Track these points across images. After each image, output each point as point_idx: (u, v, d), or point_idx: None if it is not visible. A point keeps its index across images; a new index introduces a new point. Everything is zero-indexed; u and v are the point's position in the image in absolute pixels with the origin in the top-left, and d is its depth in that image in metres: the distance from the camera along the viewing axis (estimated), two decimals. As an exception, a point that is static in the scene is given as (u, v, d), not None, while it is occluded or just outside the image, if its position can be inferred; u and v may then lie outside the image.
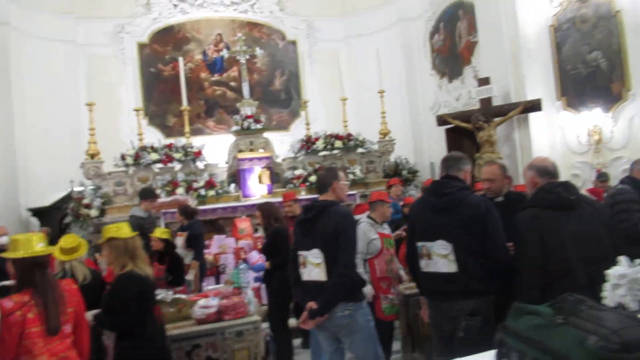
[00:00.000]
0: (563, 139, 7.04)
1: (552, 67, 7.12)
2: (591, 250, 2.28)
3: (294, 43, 11.38)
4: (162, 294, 4.06)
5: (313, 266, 2.64)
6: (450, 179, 2.69)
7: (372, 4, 11.03)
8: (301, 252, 2.76)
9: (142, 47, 10.29)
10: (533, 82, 7.16)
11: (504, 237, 2.55)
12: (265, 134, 8.62)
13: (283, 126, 10.95)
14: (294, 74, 11.24)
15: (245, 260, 5.49)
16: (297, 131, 10.07)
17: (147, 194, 5.45)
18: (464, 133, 7.79)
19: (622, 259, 0.88)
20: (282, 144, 9.44)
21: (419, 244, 2.66)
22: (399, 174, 8.64)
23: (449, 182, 2.66)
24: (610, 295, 0.86)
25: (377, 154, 8.44)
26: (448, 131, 8.92)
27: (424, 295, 2.87)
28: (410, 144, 10.21)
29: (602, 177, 6.12)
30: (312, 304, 2.62)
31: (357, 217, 3.91)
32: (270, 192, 7.56)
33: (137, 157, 7.08)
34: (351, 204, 6.47)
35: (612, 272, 0.88)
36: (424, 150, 10.17)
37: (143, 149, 7.20)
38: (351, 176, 7.73)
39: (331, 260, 2.63)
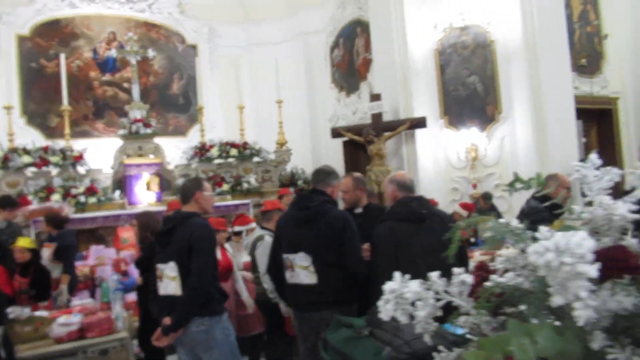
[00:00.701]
0: (445, 154, 7.55)
1: (436, 87, 7.62)
2: (437, 261, 2.42)
3: (194, 47, 11.09)
4: (16, 311, 3.69)
5: (169, 280, 2.54)
6: (316, 192, 2.74)
7: (275, 14, 11.09)
8: (159, 265, 2.64)
9: (22, 39, 9.41)
10: (420, 100, 7.60)
11: (360, 250, 2.63)
12: (159, 139, 8.26)
13: (180, 132, 10.58)
14: (193, 78, 10.93)
15: (126, 273, 5.18)
16: (195, 137, 9.78)
17: (6, 203, 4.94)
18: (360, 146, 8.07)
19: (396, 274, 0.92)
20: (179, 150, 9.13)
21: (284, 255, 2.67)
22: (295, 184, 8.71)
23: (313, 195, 2.70)
24: (383, 309, 0.89)
25: (273, 163, 8.45)
26: (345, 143, 9.19)
27: (290, 307, 2.88)
28: (308, 155, 10.35)
29: (486, 197, 6.66)
30: (166, 320, 2.51)
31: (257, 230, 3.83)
32: (159, 200, 7.24)
33: (5, 160, 6.42)
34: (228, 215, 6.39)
35: (385, 287, 0.91)
36: (322, 161, 10.34)
37: (13, 150, 6.55)
38: (246, 185, 7.65)
39: (186, 273, 2.54)
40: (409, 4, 7.69)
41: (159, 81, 10.60)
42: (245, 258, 4.53)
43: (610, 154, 9.25)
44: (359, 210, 3.08)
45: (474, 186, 7.06)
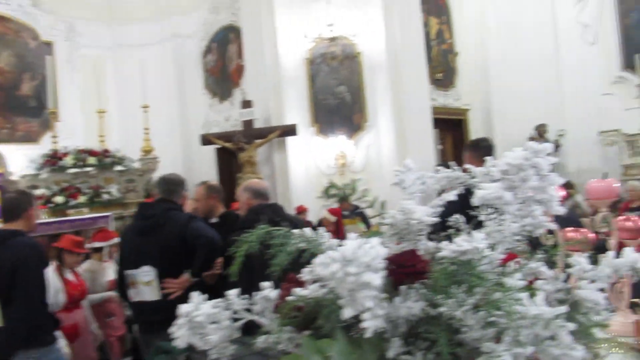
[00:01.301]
0: (315, 161, 7.70)
1: (307, 96, 7.76)
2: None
3: (49, 45, 10.02)
4: None
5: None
6: (161, 202, 2.56)
7: (144, 15, 10.48)
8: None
9: None
10: (291, 108, 7.68)
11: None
12: (5, 146, 7.29)
13: (31, 138, 9.45)
14: (48, 79, 9.86)
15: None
16: (49, 144, 8.80)
17: None
18: (234, 153, 7.90)
19: (193, 294, 0.83)
20: (29, 158, 8.13)
21: (126, 272, 2.44)
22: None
23: (156, 203, 2.52)
24: (178, 335, 0.79)
25: (138, 172, 7.91)
26: (219, 151, 8.93)
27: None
28: (179, 163, 9.89)
29: (343, 200, 6.87)
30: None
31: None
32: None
33: None
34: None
35: (180, 311, 0.81)
36: (195, 169, 9.98)
37: None
38: (106, 196, 7.04)
39: (8, 301, 2.20)
40: (280, 12, 7.75)
41: (6, 81, 9.39)
42: (111, 276, 4.13)
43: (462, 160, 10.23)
44: (214, 219, 2.95)
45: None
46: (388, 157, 7.62)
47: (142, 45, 10.44)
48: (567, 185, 7.56)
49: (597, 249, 1.69)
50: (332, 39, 7.67)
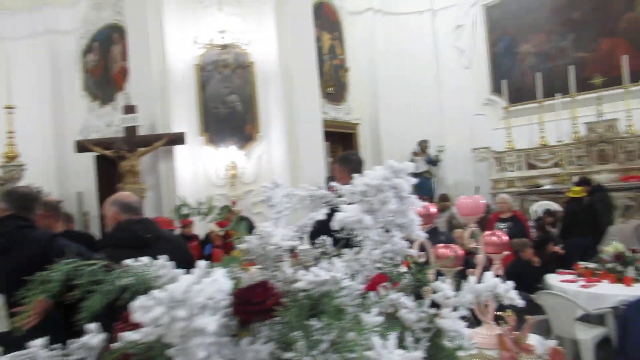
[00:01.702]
0: (205, 171, 7.41)
1: (196, 103, 7.45)
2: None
3: None
4: None
5: None
6: (12, 218, 2.21)
7: (11, 4, 9.38)
8: None
9: None
10: (179, 115, 7.32)
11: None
12: None
13: None
14: None
15: None
16: None
17: None
18: (115, 162, 7.30)
19: None
20: None
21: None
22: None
23: (6, 220, 2.18)
24: None
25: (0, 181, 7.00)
26: (99, 159, 8.22)
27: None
28: (52, 171, 8.97)
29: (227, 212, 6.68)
30: None
31: None
32: None
33: None
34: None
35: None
36: (71, 178, 9.12)
37: None
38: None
39: None
40: (168, 15, 7.38)
41: None
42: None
43: (354, 173, 10.53)
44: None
45: (234, 203, 7.08)
46: (280, 168, 7.58)
47: (10, 39, 9.34)
48: (443, 198, 8.11)
49: (466, 264, 1.76)
50: (224, 47, 7.47)
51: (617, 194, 8.56)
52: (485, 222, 6.55)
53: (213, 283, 0.63)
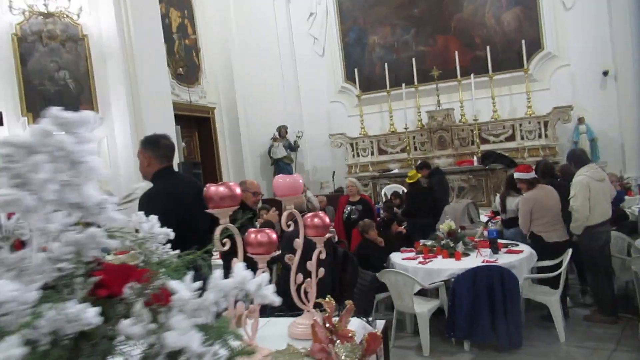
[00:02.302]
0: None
1: (16, 79, 6.39)
2: None
3: None
4: None
5: None
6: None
7: None
8: None
9: None
10: (-6, 92, 6.20)
11: None
12: None
13: None
14: None
15: None
16: None
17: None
18: None
19: None
20: None
21: None
22: None
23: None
24: None
25: None
26: None
27: None
28: None
29: None
30: None
31: None
32: None
33: None
34: None
35: None
36: None
37: None
38: None
39: None
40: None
41: None
42: None
43: (210, 158, 10.12)
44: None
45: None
46: (124, 152, 6.91)
47: None
48: None
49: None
50: (48, 15, 6.49)
51: (453, 176, 9.47)
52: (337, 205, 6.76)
53: None
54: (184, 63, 8.70)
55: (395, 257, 4.83)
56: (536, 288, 4.47)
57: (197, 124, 10.07)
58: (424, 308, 4.18)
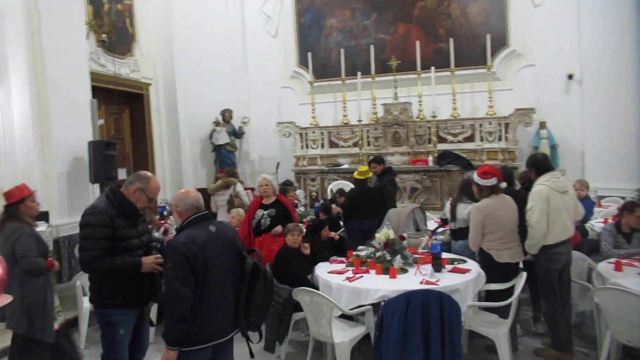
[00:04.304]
0: None
1: None
2: None
3: None
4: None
5: None
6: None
7: None
8: None
9: None
10: None
11: None
12: None
13: None
14: None
15: None
16: None
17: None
18: None
19: None
20: None
21: None
22: None
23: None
24: None
25: None
26: None
27: None
28: None
29: None
30: None
31: None
32: None
33: None
34: None
35: None
36: None
37: None
38: None
39: None
40: None
41: None
42: None
43: (141, 138, 9.05)
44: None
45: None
46: (22, 124, 5.88)
47: None
48: (231, 173, 7.19)
49: None
50: None
51: (407, 176, 8.78)
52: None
53: None
54: (109, 29, 7.59)
55: (321, 270, 4.03)
56: (482, 316, 3.76)
57: (128, 100, 8.98)
58: (345, 337, 3.39)
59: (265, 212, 4.74)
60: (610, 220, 5.83)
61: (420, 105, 9.03)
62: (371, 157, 6.92)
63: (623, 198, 7.26)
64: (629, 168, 7.73)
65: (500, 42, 8.95)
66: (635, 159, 7.67)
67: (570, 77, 8.63)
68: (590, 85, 8.37)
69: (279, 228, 4.58)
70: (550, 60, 8.67)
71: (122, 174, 8.70)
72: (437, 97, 8.73)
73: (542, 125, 8.62)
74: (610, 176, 7.90)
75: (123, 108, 8.94)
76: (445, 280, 3.55)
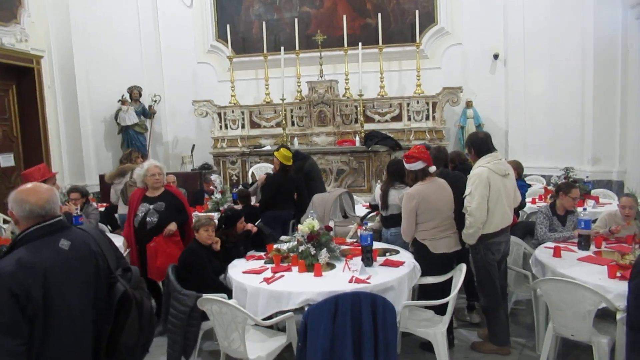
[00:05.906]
0: None
1: None
2: None
3: None
4: None
5: None
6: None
7: None
8: None
9: None
10: None
11: None
12: None
13: None
14: None
15: None
16: None
17: None
18: None
19: None
20: None
21: None
22: None
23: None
24: None
25: None
26: None
27: None
28: None
29: None
30: None
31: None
32: None
33: None
34: None
35: None
36: None
37: None
38: None
39: None
40: None
41: None
42: None
43: (32, 118, 7.85)
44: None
45: None
46: None
47: None
48: (125, 156, 6.04)
49: None
50: None
51: (333, 157, 8.34)
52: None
53: None
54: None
55: (235, 270, 3.45)
56: (417, 314, 3.37)
57: (15, 75, 7.72)
58: (262, 351, 2.85)
59: (151, 207, 3.97)
60: (537, 200, 5.77)
61: (347, 83, 8.59)
62: (294, 152, 6.17)
63: (544, 176, 7.32)
64: (551, 147, 7.79)
65: (429, 19, 8.68)
66: (557, 137, 7.74)
67: (495, 56, 8.57)
68: (515, 65, 8.34)
69: (172, 226, 3.90)
70: (477, 39, 8.56)
71: (8, 160, 7.54)
72: (364, 74, 8.33)
73: (469, 104, 8.51)
74: (532, 156, 7.93)
75: (9, 84, 7.68)
76: (378, 277, 3.10)
